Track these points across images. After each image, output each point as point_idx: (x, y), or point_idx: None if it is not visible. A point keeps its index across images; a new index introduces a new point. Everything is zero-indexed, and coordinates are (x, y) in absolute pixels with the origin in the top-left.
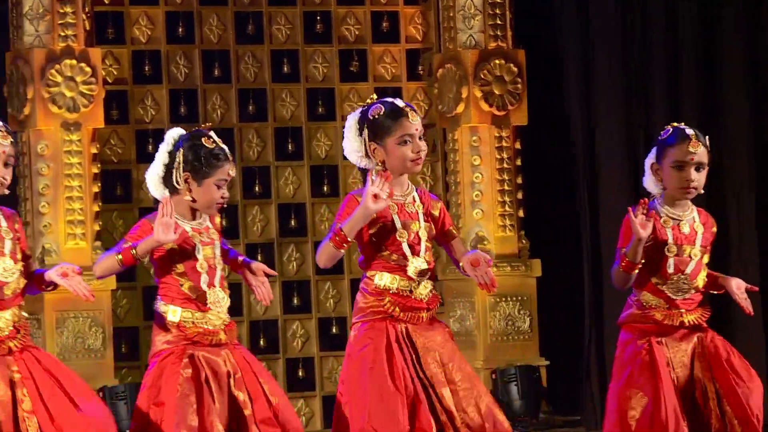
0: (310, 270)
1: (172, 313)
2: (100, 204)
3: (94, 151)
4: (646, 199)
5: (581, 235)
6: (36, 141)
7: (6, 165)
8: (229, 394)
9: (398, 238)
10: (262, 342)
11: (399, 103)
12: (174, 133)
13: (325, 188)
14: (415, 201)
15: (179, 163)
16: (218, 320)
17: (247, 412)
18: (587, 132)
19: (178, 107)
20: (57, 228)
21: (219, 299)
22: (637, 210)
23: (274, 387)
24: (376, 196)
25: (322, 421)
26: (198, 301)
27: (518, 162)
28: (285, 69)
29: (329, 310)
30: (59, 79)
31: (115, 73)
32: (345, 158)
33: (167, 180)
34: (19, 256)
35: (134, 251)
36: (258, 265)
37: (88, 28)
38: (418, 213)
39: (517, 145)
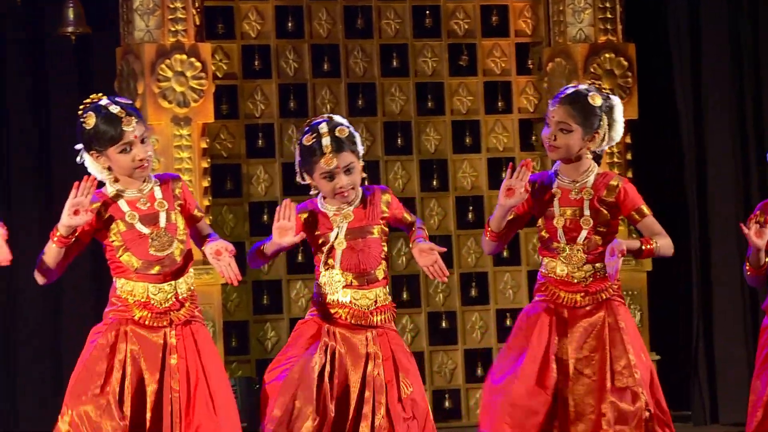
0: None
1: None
2: (210, 199)
3: (204, 145)
4: (757, 213)
5: (690, 230)
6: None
7: (143, 142)
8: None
9: (555, 225)
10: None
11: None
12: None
13: (435, 183)
14: (585, 188)
15: (297, 163)
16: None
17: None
18: (696, 127)
19: (287, 102)
20: None
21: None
22: (749, 223)
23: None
24: (510, 190)
25: (432, 415)
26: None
27: (628, 156)
28: (394, 63)
29: (438, 304)
30: (169, 74)
31: (225, 67)
32: (455, 152)
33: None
34: (179, 223)
35: (263, 246)
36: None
37: (197, 23)
38: (583, 200)
39: (627, 140)
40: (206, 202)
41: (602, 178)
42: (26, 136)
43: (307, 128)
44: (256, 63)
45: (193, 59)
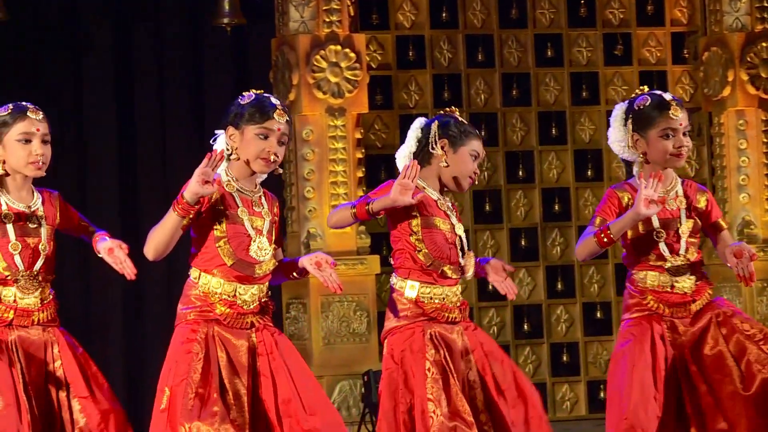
0: (573, 254)
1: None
2: (364, 189)
3: (358, 136)
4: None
5: None
6: (301, 126)
7: (280, 143)
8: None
9: (655, 238)
10: (526, 326)
11: (666, 96)
12: (421, 120)
13: (589, 173)
14: (677, 196)
15: (435, 134)
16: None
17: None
18: None
19: (441, 92)
20: (322, 213)
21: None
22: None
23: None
24: (650, 202)
25: (587, 406)
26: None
27: None
28: (548, 53)
29: (593, 294)
30: (324, 64)
31: (379, 58)
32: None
33: (419, 154)
34: (273, 238)
35: (369, 207)
36: None
37: (352, 13)
38: (680, 209)
39: None
40: (360, 193)
41: (688, 186)
42: (183, 124)
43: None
44: (411, 53)
45: (347, 50)
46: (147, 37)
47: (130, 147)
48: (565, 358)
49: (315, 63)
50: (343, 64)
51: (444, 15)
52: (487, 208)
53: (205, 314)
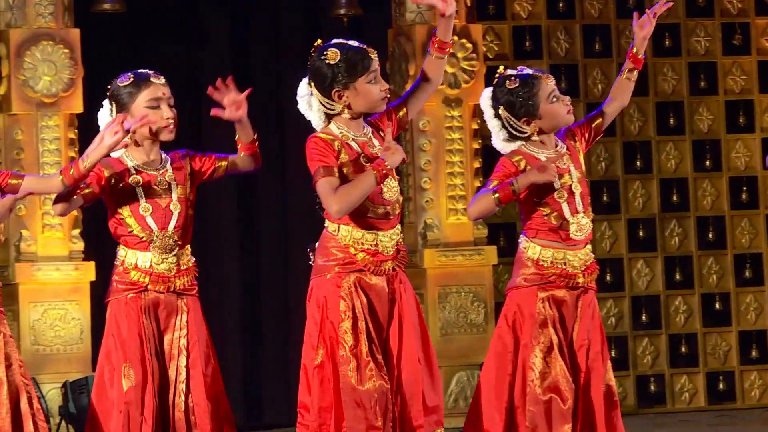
0: (692, 245)
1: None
2: (481, 179)
3: (474, 126)
4: None
5: None
6: (418, 117)
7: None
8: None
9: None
10: (644, 317)
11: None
12: (486, 93)
13: (707, 163)
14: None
15: (506, 108)
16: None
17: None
18: None
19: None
20: (438, 203)
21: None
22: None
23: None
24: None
25: (706, 397)
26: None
27: None
28: (666, 43)
29: (712, 285)
30: None
31: (496, 48)
32: (728, 132)
33: (511, 135)
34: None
35: (514, 186)
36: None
37: (469, 4)
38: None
39: None
40: (477, 183)
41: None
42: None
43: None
44: (527, 44)
45: (464, 40)
46: (264, 29)
47: None
48: (683, 349)
49: None
50: (459, 55)
51: (561, 5)
52: (605, 198)
53: (348, 266)
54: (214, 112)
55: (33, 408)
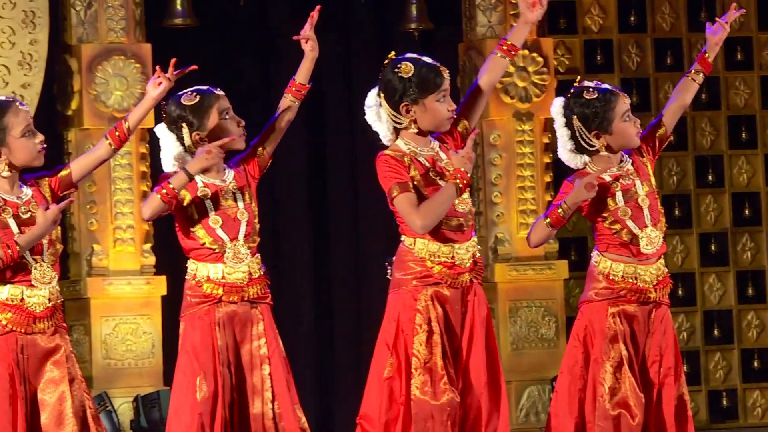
0: (765, 259)
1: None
2: (551, 193)
3: (545, 140)
4: None
5: None
6: (489, 131)
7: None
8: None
9: None
10: (716, 332)
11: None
12: (559, 101)
13: None
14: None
15: (579, 119)
16: None
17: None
18: None
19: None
20: (509, 217)
21: None
22: None
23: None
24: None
25: None
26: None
27: None
28: (738, 56)
29: None
30: (512, 69)
31: (567, 62)
32: None
33: (578, 147)
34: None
35: (561, 209)
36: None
37: (540, 18)
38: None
39: None
40: (548, 197)
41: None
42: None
43: None
44: (599, 57)
45: (534, 54)
46: (335, 43)
47: (319, 152)
48: (756, 364)
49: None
50: (530, 69)
51: (632, 18)
52: (677, 212)
53: (425, 279)
54: (297, 37)
55: (97, 423)
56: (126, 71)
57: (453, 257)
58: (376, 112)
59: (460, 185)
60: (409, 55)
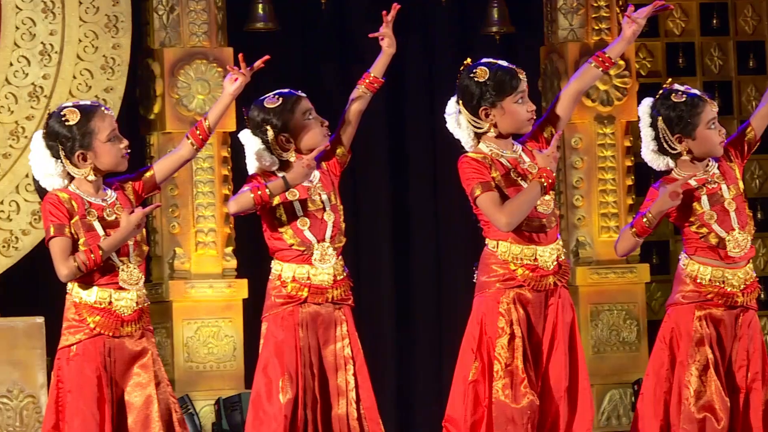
0: None
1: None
2: (633, 197)
3: (627, 144)
4: None
5: None
6: (570, 134)
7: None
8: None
9: None
10: None
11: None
12: (648, 101)
13: None
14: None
15: (664, 121)
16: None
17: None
18: None
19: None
20: (591, 220)
21: None
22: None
23: None
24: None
25: None
26: None
27: None
28: None
29: None
30: None
31: (649, 65)
32: None
33: (661, 148)
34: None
35: (646, 218)
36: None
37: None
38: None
39: None
40: (629, 201)
41: None
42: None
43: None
44: (680, 60)
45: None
46: (415, 46)
47: (400, 154)
48: None
49: None
50: (612, 72)
51: (714, 21)
52: (760, 215)
53: (508, 281)
54: (373, 34)
55: (183, 427)
56: (208, 75)
57: (535, 259)
58: (455, 120)
59: (545, 184)
60: (484, 60)
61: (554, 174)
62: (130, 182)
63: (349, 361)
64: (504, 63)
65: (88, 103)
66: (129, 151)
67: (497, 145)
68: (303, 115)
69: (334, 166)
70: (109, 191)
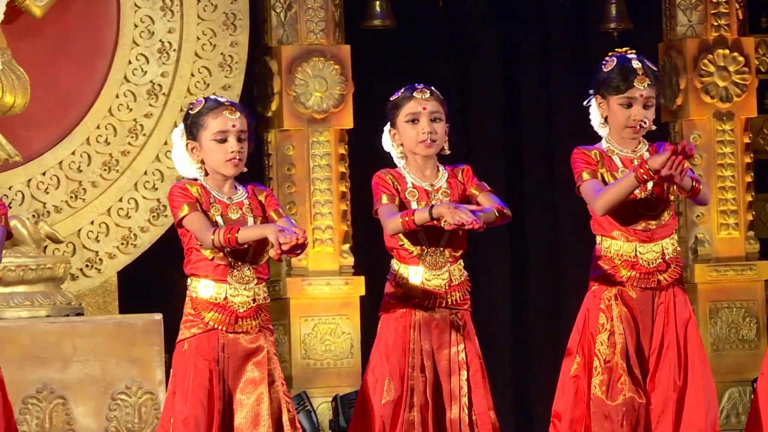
0: None
1: None
2: (752, 194)
3: (746, 140)
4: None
5: None
6: (689, 131)
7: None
8: None
9: None
10: None
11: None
12: None
13: None
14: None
15: None
16: None
17: None
18: None
19: None
20: (709, 218)
21: None
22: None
23: None
24: None
25: None
26: None
27: None
28: None
29: None
30: (712, 69)
31: None
32: None
33: None
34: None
35: None
36: None
37: (741, 17)
38: None
39: None
40: (749, 198)
41: None
42: (570, 130)
43: None
44: None
45: (735, 54)
46: (532, 42)
47: (517, 154)
48: None
49: (702, 67)
50: (731, 68)
51: None
52: None
53: (611, 278)
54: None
55: (294, 427)
56: (325, 73)
57: (636, 257)
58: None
59: (644, 177)
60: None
61: (674, 178)
62: (265, 193)
63: (463, 366)
64: (634, 64)
65: (218, 99)
66: (238, 158)
67: (619, 144)
68: (407, 115)
69: (469, 178)
70: (240, 191)
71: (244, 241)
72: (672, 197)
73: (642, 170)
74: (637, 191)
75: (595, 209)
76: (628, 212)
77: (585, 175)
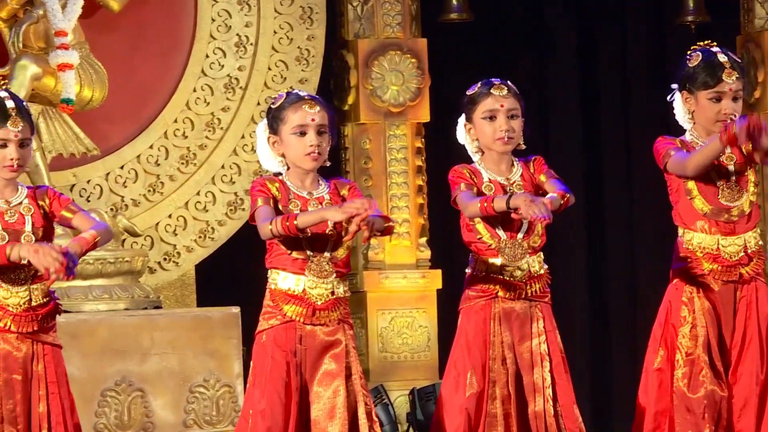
0: None
1: None
2: None
3: None
4: None
5: None
6: (766, 117)
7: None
8: None
9: None
10: None
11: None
12: None
13: None
14: None
15: None
16: None
17: None
18: None
19: None
20: None
21: None
22: None
23: None
24: None
25: None
26: None
27: None
28: None
29: None
30: None
31: None
32: None
33: None
34: (752, 177)
35: None
36: None
37: None
38: None
39: None
40: None
41: None
42: (649, 125)
43: None
44: None
45: None
46: (610, 36)
47: (595, 147)
48: None
49: None
50: None
51: None
52: None
53: (692, 270)
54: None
55: (370, 420)
56: (402, 66)
57: (718, 249)
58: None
59: (721, 138)
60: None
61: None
62: (348, 186)
63: (546, 358)
64: (720, 58)
65: (299, 93)
66: (317, 152)
67: (699, 134)
68: (484, 113)
69: (539, 166)
70: (322, 186)
71: (304, 226)
72: (753, 188)
73: (726, 133)
74: (718, 183)
75: (688, 172)
76: (711, 203)
77: (672, 152)
